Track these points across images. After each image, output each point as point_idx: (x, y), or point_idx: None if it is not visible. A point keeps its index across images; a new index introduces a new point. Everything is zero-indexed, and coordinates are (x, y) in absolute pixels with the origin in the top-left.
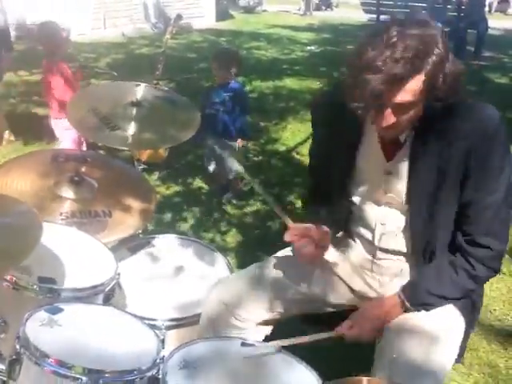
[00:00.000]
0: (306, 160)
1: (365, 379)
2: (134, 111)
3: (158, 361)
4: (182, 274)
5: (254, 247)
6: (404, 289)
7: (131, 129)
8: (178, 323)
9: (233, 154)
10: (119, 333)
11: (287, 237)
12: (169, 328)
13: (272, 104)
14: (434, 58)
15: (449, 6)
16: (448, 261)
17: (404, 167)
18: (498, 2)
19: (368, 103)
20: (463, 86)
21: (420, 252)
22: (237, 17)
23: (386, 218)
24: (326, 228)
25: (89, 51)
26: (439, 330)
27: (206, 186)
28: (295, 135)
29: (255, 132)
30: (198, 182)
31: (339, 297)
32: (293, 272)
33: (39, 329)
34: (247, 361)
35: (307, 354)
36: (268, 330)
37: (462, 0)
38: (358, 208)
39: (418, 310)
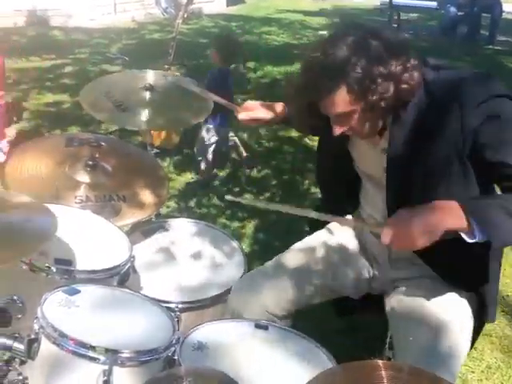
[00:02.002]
0: None
1: (381, 362)
2: (148, 95)
3: (173, 342)
4: (195, 258)
5: (267, 233)
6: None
7: (144, 112)
8: (191, 306)
9: None
10: (135, 314)
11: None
12: (182, 311)
13: (283, 90)
14: (354, 67)
15: None
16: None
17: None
18: None
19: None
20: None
21: None
22: (248, 2)
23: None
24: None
25: (100, 37)
26: (450, 320)
27: (218, 172)
28: None
29: None
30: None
31: (356, 287)
32: (315, 261)
33: (57, 309)
34: (261, 342)
35: (318, 340)
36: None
37: None
38: (366, 191)
39: (479, 226)
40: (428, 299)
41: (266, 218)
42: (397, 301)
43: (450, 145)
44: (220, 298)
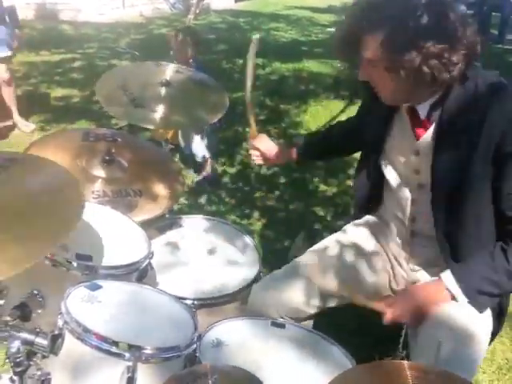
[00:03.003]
0: None
1: (405, 363)
2: (164, 91)
3: (195, 339)
4: (210, 254)
5: (276, 231)
6: (454, 272)
7: (159, 108)
8: (208, 302)
9: None
10: (156, 311)
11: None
12: (198, 307)
13: (292, 87)
14: (398, 26)
15: None
16: (499, 247)
17: (431, 147)
18: None
19: (341, 54)
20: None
21: (443, 237)
22: None
23: (417, 200)
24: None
25: (108, 31)
26: (472, 324)
27: (228, 170)
28: (316, 119)
29: (276, 115)
30: (220, 166)
31: (375, 288)
32: (334, 264)
33: (80, 305)
34: (279, 340)
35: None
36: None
37: None
38: (390, 188)
39: (469, 300)
40: (452, 307)
41: (276, 216)
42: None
43: (485, 148)
44: (236, 296)
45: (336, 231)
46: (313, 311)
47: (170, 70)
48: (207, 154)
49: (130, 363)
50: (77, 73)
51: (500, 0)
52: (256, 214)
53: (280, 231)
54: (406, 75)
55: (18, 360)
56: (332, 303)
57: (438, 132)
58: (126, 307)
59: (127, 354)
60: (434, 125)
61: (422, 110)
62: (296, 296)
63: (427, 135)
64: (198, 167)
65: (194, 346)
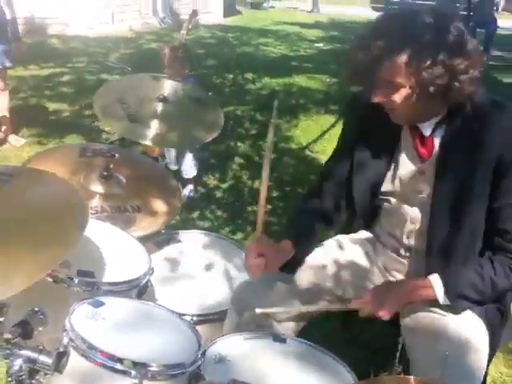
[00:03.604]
0: (319, 158)
1: (412, 378)
2: (160, 107)
3: (199, 355)
4: (208, 270)
5: None
6: (443, 274)
7: (154, 125)
8: (207, 318)
9: None
10: (159, 327)
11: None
12: (197, 323)
13: (282, 101)
14: (423, 44)
15: (458, 5)
16: (487, 257)
17: (434, 167)
18: (505, 1)
19: (358, 79)
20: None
21: (436, 254)
22: (244, 13)
23: (416, 218)
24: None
25: (97, 46)
26: (472, 336)
27: (221, 184)
28: (307, 133)
29: (267, 129)
30: (212, 181)
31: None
32: (319, 274)
33: (85, 322)
34: (280, 355)
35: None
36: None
37: None
38: (390, 207)
39: (450, 302)
40: (444, 315)
41: (269, 230)
42: (412, 314)
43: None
44: None
45: None
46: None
47: (168, 85)
48: (195, 174)
49: (136, 381)
50: (66, 87)
51: (485, 17)
52: (249, 229)
53: None
54: (435, 91)
55: (20, 378)
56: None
57: (441, 151)
58: (130, 324)
59: (133, 372)
60: (437, 144)
61: (426, 129)
62: (283, 306)
63: (434, 157)
64: (183, 184)
65: (199, 362)
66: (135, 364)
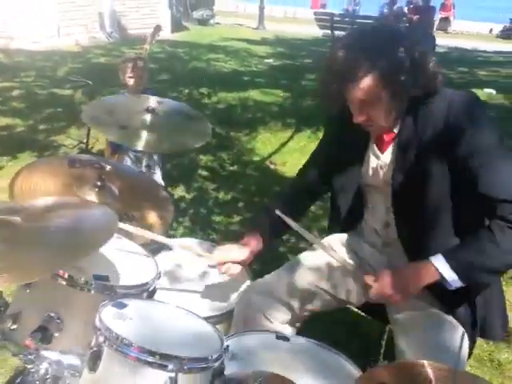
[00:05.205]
0: (282, 169)
1: (425, 362)
2: (149, 118)
3: (223, 350)
4: (207, 274)
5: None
6: (444, 252)
7: (144, 133)
8: (214, 320)
9: None
10: (183, 325)
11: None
12: None
13: (240, 115)
14: (388, 57)
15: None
16: (485, 228)
17: (392, 161)
18: (439, 21)
19: (330, 102)
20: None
21: (407, 243)
22: (191, 29)
23: (389, 209)
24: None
25: (44, 60)
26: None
27: (186, 195)
28: (266, 145)
29: (227, 142)
30: (177, 192)
31: (353, 296)
32: (313, 274)
33: (114, 321)
34: (287, 352)
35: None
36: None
37: (412, 18)
38: (369, 200)
39: (458, 277)
40: (428, 304)
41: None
42: (398, 307)
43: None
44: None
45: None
46: (296, 317)
47: (153, 100)
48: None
49: (173, 374)
50: (17, 101)
51: (424, 36)
52: (218, 238)
53: (267, 249)
54: (405, 95)
55: (47, 382)
56: (314, 310)
57: (398, 145)
58: (157, 322)
59: (170, 365)
60: (395, 139)
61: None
62: (281, 303)
63: (388, 150)
64: None
65: (223, 357)
66: (171, 357)
